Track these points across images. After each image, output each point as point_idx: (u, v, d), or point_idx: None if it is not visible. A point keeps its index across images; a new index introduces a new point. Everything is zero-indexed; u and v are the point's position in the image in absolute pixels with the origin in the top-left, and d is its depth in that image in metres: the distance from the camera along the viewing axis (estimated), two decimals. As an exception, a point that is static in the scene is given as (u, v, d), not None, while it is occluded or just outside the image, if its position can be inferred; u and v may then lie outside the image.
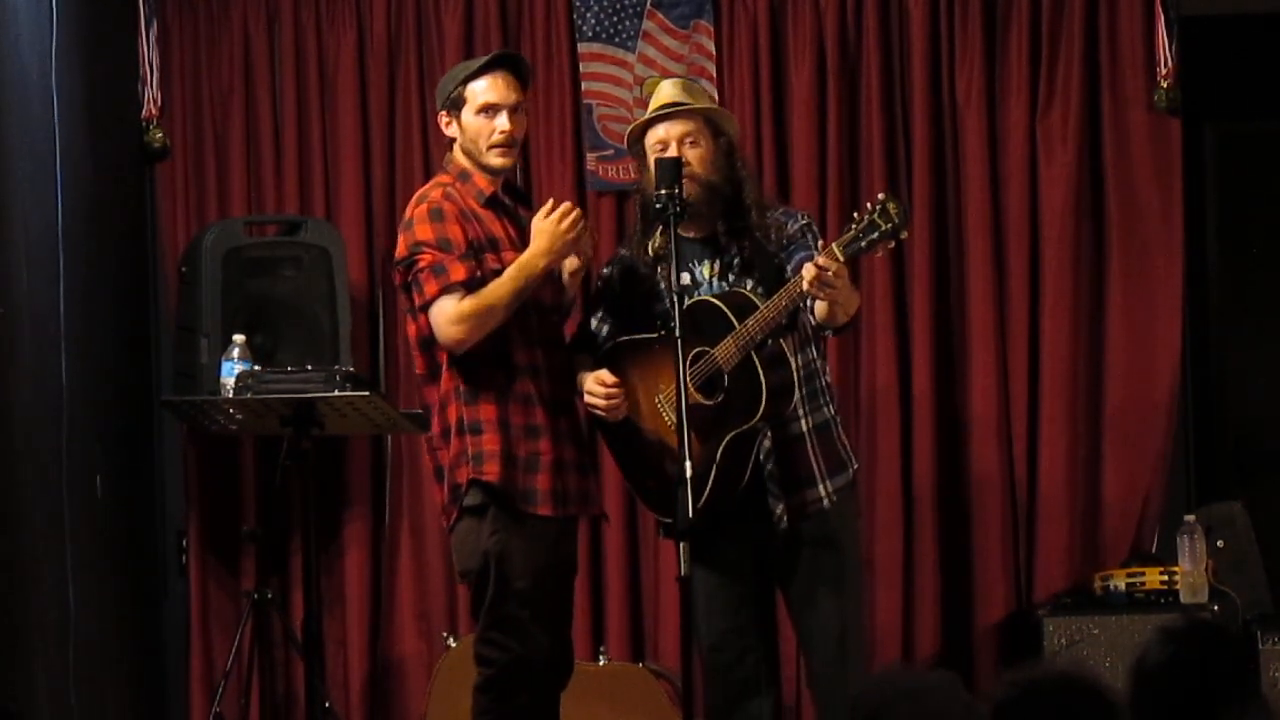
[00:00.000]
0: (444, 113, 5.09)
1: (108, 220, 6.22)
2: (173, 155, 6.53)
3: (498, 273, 4.96)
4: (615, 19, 6.43)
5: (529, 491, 4.98)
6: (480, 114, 5.03)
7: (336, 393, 5.62)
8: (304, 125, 6.53)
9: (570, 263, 5.08)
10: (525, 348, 5.02)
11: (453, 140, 5.09)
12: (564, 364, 5.12)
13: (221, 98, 6.54)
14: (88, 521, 5.79)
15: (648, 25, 6.43)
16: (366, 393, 5.68)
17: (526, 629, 4.98)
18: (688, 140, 5.05)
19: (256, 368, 5.86)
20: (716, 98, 6.26)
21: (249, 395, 5.70)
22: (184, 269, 6.26)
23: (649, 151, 5.07)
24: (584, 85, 6.45)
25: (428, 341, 5.01)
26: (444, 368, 5.00)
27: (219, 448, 6.46)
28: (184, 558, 6.50)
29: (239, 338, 5.93)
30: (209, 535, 6.49)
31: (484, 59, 5.12)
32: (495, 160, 5.05)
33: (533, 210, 5.14)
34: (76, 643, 5.59)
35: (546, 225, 4.97)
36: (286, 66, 6.52)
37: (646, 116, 5.11)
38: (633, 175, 5.32)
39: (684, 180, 4.91)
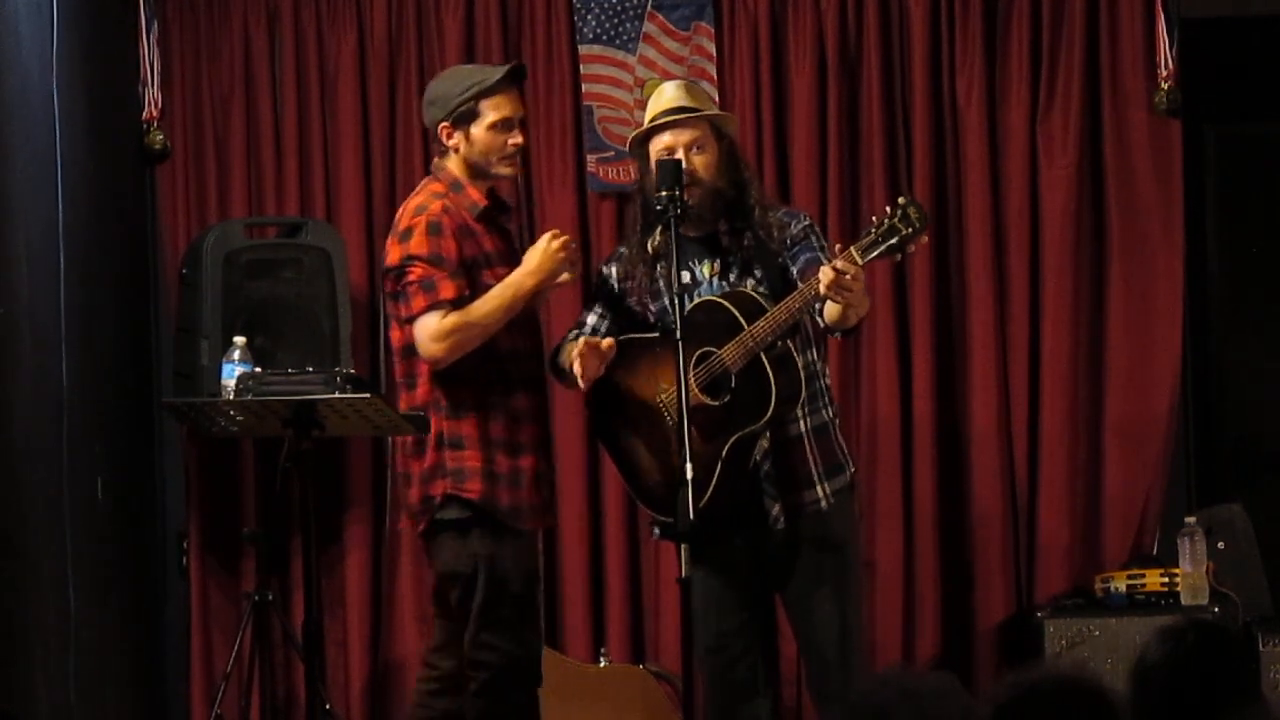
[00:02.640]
0: (447, 124, 5.07)
1: (108, 222, 6.22)
2: (173, 157, 6.53)
3: (491, 288, 4.98)
4: (616, 21, 6.44)
5: (515, 508, 5.01)
6: (493, 129, 5.04)
7: (337, 395, 5.61)
8: (304, 127, 6.53)
9: (562, 277, 5.08)
10: (510, 361, 5.04)
11: (447, 149, 5.09)
12: (541, 376, 5.16)
13: (222, 99, 6.54)
14: (88, 523, 5.79)
15: (648, 27, 6.44)
16: (367, 395, 5.67)
17: (518, 629, 5.00)
18: (695, 146, 5.05)
19: (257, 369, 5.85)
20: (717, 99, 6.26)
21: (249, 397, 5.69)
22: (184, 271, 6.26)
23: (653, 155, 5.07)
24: (584, 87, 6.45)
25: (409, 350, 5.04)
26: (423, 379, 5.03)
27: (219, 449, 6.45)
28: (184, 559, 6.50)
29: (239, 340, 5.93)
30: (209, 537, 6.49)
31: (496, 73, 5.11)
32: (507, 170, 5.11)
33: (513, 219, 5.23)
34: (76, 644, 5.59)
35: (539, 244, 5.00)
36: (287, 68, 6.52)
37: (653, 123, 5.09)
38: (633, 176, 5.32)
39: (690, 187, 4.93)
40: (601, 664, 6.22)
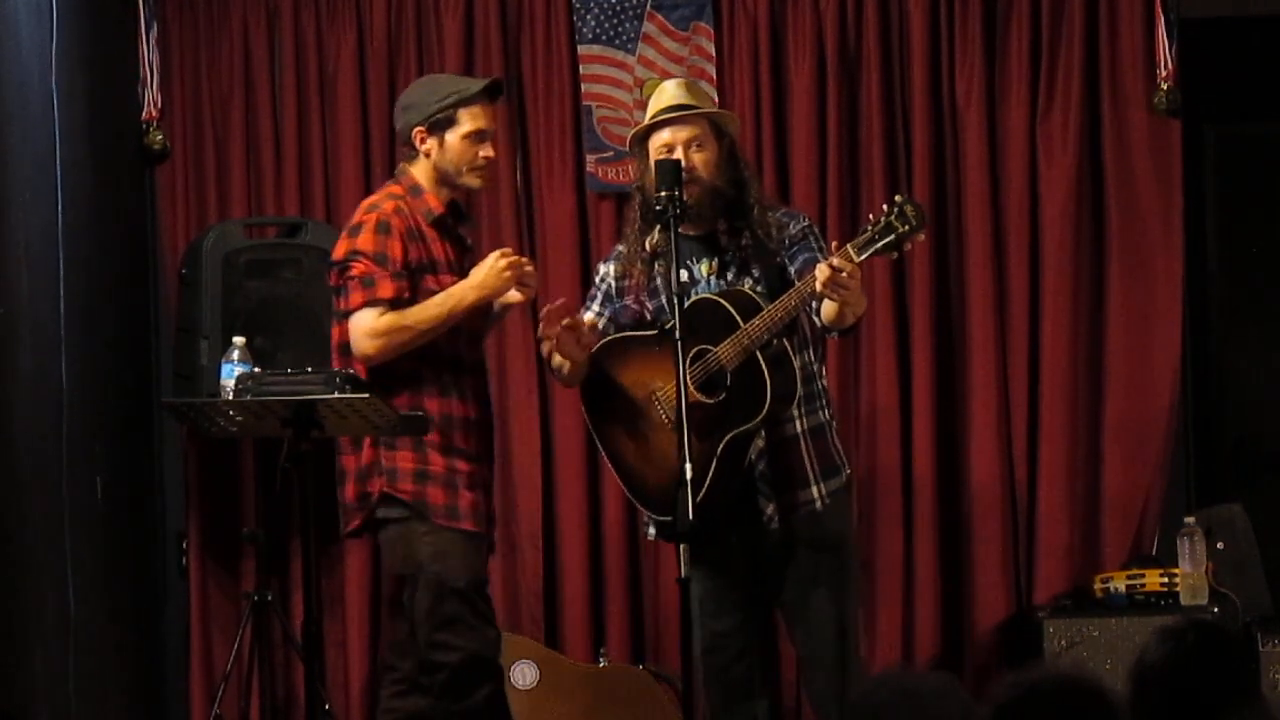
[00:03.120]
0: (422, 129, 5.09)
1: (108, 222, 6.22)
2: (173, 157, 6.53)
3: (433, 294, 5.00)
4: (615, 21, 6.43)
5: (451, 505, 5.02)
6: (468, 138, 5.07)
7: (336, 395, 5.61)
8: (304, 127, 6.53)
9: (512, 296, 5.09)
10: (449, 368, 5.06)
11: (416, 153, 5.10)
12: (484, 389, 5.20)
13: (221, 99, 6.54)
14: (88, 523, 5.79)
15: (648, 27, 6.44)
16: (366, 395, 5.68)
17: (472, 624, 5.00)
18: (694, 144, 5.05)
19: (256, 370, 5.84)
20: (716, 99, 6.26)
21: (249, 397, 5.69)
22: (184, 271, 6.27)
23: (652, 153, 5.07)
24: (584, 87, 6.45)
25: (347, 348, 5.08)
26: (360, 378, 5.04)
27: (219, 450, 6.45)
28: (184, 560, 6.50)
29: (239, 340, 5.93)
30: (209, 537, 6.49)
31: (478, 85, 5.15)
32: (475, 182, 5.15)
33: (472, 229, 5.27)
34: (76, 644, 5.59)
35: (488, 261, 5.02)
36: (286, 68, 6.52)
37: (653, 119, 5.09)
38: (633, 177, 5.33)
39: (689, 184, 4.93)
40: (601, 664, 6.22)
